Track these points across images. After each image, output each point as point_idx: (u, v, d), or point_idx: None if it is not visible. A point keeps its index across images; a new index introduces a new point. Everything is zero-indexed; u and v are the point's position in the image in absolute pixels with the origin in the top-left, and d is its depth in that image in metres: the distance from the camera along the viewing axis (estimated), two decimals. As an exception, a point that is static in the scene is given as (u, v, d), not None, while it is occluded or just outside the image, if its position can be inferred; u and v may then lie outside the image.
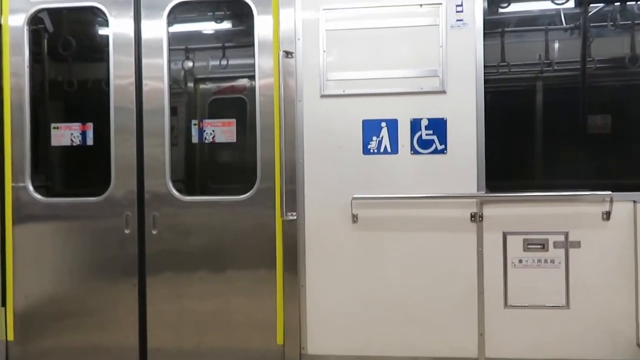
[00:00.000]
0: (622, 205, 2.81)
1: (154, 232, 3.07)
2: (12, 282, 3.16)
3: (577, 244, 2.83)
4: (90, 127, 3.19)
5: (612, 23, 3.00)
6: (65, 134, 3.20)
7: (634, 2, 2.99)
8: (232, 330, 3.03)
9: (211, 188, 3.33)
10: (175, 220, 3.06)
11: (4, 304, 3.18)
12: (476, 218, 2.87)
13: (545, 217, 2.85)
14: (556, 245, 2.85)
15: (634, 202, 2.80)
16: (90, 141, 3.19)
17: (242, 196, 3.01)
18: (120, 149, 3.08)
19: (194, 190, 3.31)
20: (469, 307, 2.89)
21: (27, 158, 3.14)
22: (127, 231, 3.08)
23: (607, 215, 2.81)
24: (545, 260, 2.86)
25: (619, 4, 3.00)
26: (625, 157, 3.01)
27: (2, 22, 3.16)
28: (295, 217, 2.95)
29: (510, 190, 2.90)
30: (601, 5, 3.02)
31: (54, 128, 3.21)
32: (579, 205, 2.83)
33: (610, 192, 2.78)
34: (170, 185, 3.06)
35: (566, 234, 2.84)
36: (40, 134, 3.22)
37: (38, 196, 3.15)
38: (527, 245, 2.86)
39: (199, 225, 3.04)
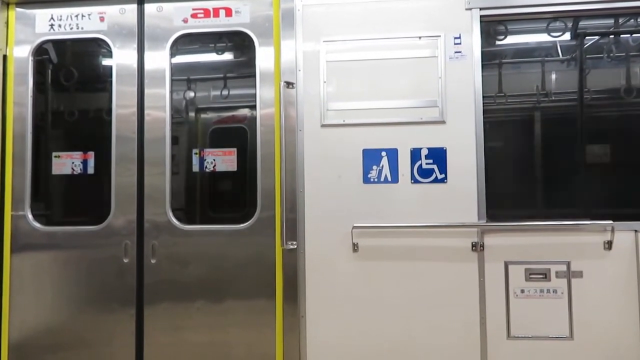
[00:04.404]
0: (624, 234, 2.79)
1: (153, 261, 3.04)
2: (8, 311, 3.12)
3: (579, 274, 2.81)
4: (91, 156, 3.20)
5: (608, 55, 3.06)
6: (66, 163, 3.21)
7: (628, 35, 3.06)
8: (231, 363, 2.98)
9: (211, 217, 3.32)
10: (175, 249, 3.03)
11: (-2, 334, 3.13)
12: (477, 247, 2.85)
13: (547, 247, 2.83)
14: (558, 275, 2.82)
15: (636, 231, 2.79)
16: (91, 170, 3.19)
17: (242, 225, 3.00)
18: (121, 178, 3.08)
19: (194, 219, 3.30)
20: (471, 339, 2.85)
21: (28, 187, 3.15)
22: (125, 260, 3.06)
23: (608, 245, 2.79)
24: (548, 290, 2.83)
25: (613, 37, 3.07)
26: (625, 187, 3.01)
27: (8, 53, 3.21)
28: (296, 246, 2.93)
29: (512, 220, 2.89)
30: (597, 37, 3.09)
31: (55, 157, 3.22)
32: (580, 234, 2.82)
33: (611, 222, 2.77)
34: (171, 214, 3.05)
35: (568, 264, 2.82)
36: (41, 162, 3.23)
37: (37, 225, 3.14)
38: (529, 275, 2.84)
39: (199, 254, 3.02)
